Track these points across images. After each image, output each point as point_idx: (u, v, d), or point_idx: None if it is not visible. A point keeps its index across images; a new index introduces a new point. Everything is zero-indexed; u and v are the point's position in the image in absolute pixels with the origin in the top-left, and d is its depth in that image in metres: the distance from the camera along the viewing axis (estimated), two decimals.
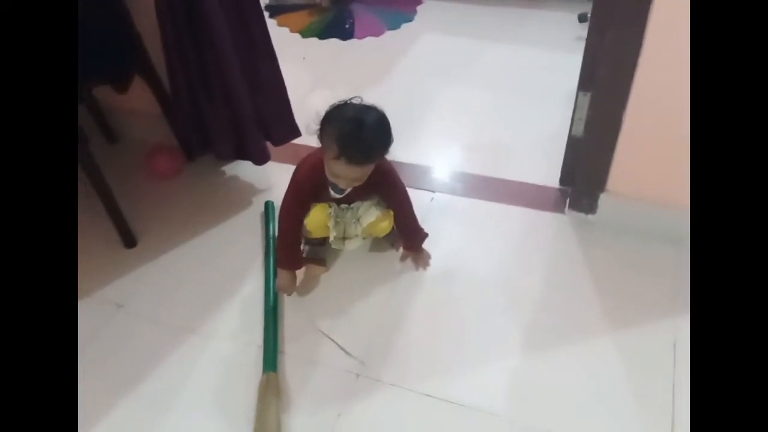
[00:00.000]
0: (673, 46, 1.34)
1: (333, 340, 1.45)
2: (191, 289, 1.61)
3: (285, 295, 1.56)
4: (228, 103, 1.71)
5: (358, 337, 1.47)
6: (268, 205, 1.79)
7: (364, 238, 1.63)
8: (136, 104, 1.97)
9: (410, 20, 2.87)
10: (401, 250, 1.66)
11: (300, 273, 1.59)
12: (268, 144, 1.87)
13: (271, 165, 1.91)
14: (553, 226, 1.76)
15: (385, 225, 1.59)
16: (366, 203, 1.56)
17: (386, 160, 1.48)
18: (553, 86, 2.23)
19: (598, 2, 1.47)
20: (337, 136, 1.33)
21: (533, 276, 1.61)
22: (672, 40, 1.34)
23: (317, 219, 1.55)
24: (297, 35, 2.73)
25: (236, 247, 1.72)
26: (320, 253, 1.66)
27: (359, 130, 1.34)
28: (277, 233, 1.57)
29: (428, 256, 1.64)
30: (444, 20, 2.89)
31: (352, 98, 1.40)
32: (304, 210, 1.53)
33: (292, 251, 1.56)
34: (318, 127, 1.39)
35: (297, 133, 1.83)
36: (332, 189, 1.46)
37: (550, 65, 2.44)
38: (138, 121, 2.06)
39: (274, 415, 1.29)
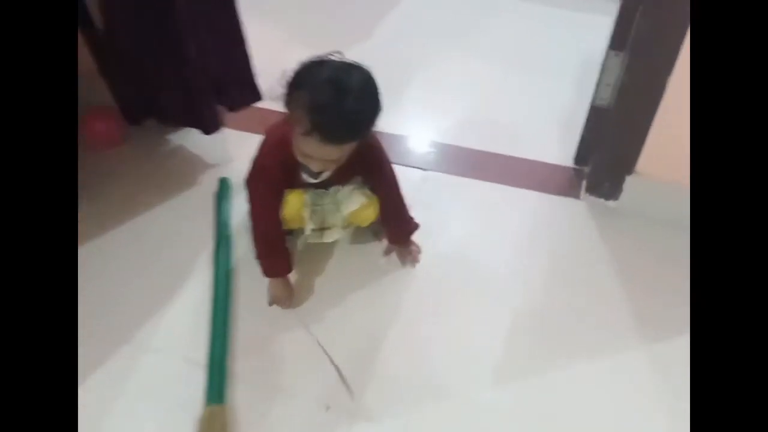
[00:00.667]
0: None
1: (331, 360, 1.16)
2: (123, 289, 1.28)
3: (281, 308, 1.25)
4: (173, 60, 1.35)
5: (334, 351, 1.17)
6: (224, 183, 1.47)
7: (344, 228, 1.31)
8: None
9: None
10: (386, 242, 1.36)
11: (293, 276, 1.28)
12: (225, 110, 1.53)
13: (228, 134, 1.57)
14: (567, 214, 1.49)
15: (370, 212, 1.28)
16: (347, 187, 1.25)
17: (372, 133, 1.16)
18: (570, 50, 1.96)
19: None
20: (309, 105, 1.00)
21: (542, 273, 1.35)
22: None
23: (291, 208, 1.23)
24: None
25: (181, 236, 1.39)
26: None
27: (338, 98, 1.00)
28: (253, 236, 1.22)
29: (417, 251, 1.35)
30: None
31: (330, 54, 1.06)
32: (279, 199, 1.21)
33: (279, 253, 1.23)
34: (285, 91, 1.05)
35: (257, 96, 1.50)
36: (304, 172, 1.15)
37: (566, 27, 2.12)
38: None
39: None
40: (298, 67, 1.05)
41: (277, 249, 1.23)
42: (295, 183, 1.20)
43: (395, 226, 1.32)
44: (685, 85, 1.20)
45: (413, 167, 1.56)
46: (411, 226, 1.32)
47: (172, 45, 1.35)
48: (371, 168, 1.23)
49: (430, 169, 1.57)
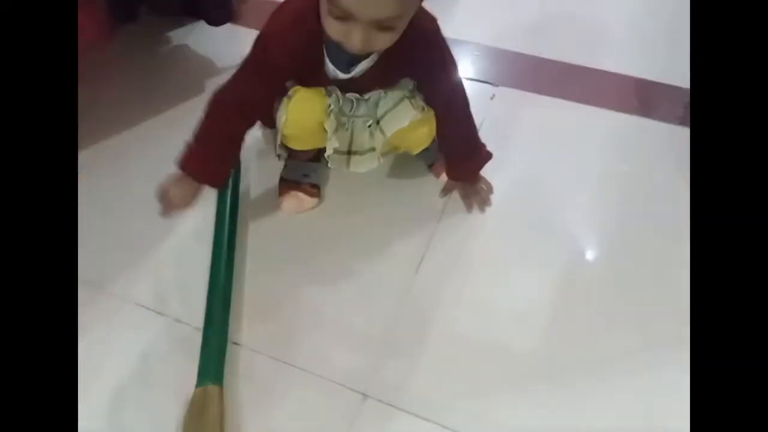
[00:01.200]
0: None
1: None
2: (105, 222, 1.01)
3: (167, 213, 0.90)
4: None
5: (368, 326, 0.89)
6: None
7: (383, 155, 0.99)
8: None
9: None
10: (444, 177, 1.04)
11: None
12: None
13: (241, 32, 1.25)
14: (671, 144, 1.14)
15: (424, 133, 0.97)
16: (392, 93, 0.92)
17: (427, 12, 0.82)
18: None
19: None
20: None
21: (624, 221, 1.03)
22: None
23: (305, 115, 0.90)
24: None
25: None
26: (311, 174, 1.04)
27: None
28: (202, 120, 0.88)
29: (489, 190, 1.03)
30: None
31: None
32: (273, 94, 0.89)
33: (218, 153, 0.90)
34: None
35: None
36: (332, 62, 0.83)
37: None
38: None
39: None
40: None
41: (221, 148, 0.90)
42: (311, 79, 0.88)
43: (459, 155, 1.00)
44: None
45: (478, 81, 1.24)
46: (482, 155, 1.00)
47: None
48: (428, 65, 0.89)
49: (500, 84, 1.25)
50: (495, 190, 1.03)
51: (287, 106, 0.88)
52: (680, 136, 1.15)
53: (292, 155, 1.02)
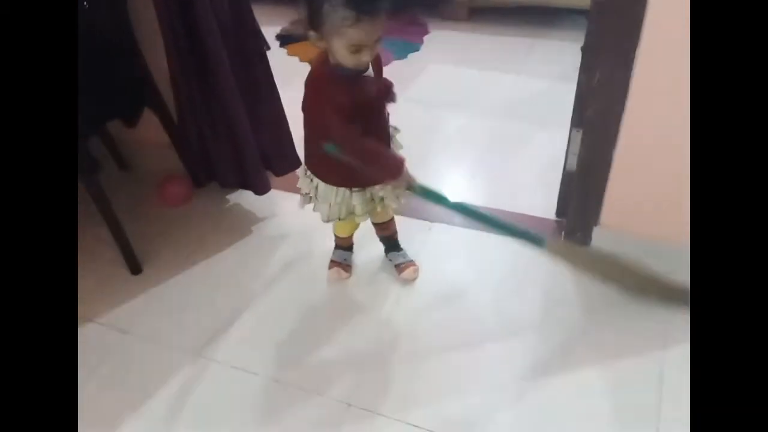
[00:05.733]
0: (661, 87, 1.38)
1: None
2: (194, 314, 1.66)
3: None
4: (231, 139, 1.79)
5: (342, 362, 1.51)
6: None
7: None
8: (147, 136, 2.05)
9: (417, 50, 2.94)
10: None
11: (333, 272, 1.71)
12: (270, 173, 1.94)
13: (272, 194, 1.97)
14: (550, 258, 1.79)
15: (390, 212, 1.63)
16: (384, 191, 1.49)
17: None
18: (555, 117, 2.24)
19: (587, 44, 1.51)
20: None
21: (529, 307, 1.64)
22: (660, 81, 1.38)
23: (347, 228, 1.63)
24: (306, 65, 2.80)
25: (245, 270, 1.78)
26: (348, 258, 1.74)
27: None
28: (364, 153, 1.34)
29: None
30: (451, 50, 2.96)
31: None
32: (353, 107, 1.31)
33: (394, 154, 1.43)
34: (310, 24, 1.22)
35: (298, 163, 1.88)
36: (351, 80, 1.30)
37: (553, 96, 2.48)
38: (148, 151, 2.14)
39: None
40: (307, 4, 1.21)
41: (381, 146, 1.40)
42: (349, 97, 1.29)
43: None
44: (629, 156, 1.53)
45: (421, 219, 1.90)
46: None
47: (229, 124, 1.77)
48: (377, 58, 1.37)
49: (436, 221, 1.90)
50: (430, 287, 1.69)
51: (337, 224, 1.59)
52: None
53: (337, 244, 1.72)
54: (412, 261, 1.73)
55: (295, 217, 1.84)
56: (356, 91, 1.31)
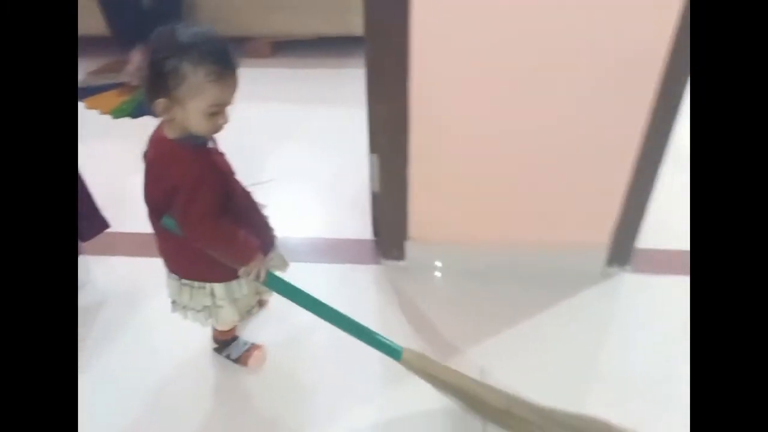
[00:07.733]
0: (436, 112, 1.53)
1: None
2: None
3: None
4: None
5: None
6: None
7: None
8: None
9: None
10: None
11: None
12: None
13: (82, 259, 1.86)
14: (372, 277, 1.89)
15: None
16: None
17: None
18: (363, 142, 2.39)
19: (367, 83, 1.62)
20: (198, 54, 1.05)
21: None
22: (433, 107, 1.53)
23: (233, 319, 1.44)
24: (107, 117, 2.68)
25: None
26: (247, 342, 1.59)
27: (204, 32, 1.09)
28: (226, 245, 1.24)
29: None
30: (266, 88, 2.96)
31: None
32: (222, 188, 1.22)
33: (248, 238, 1.27)
34: (159, 90, 1.08)
35: (106, 225, 1.81)
36: (204, 152, 1.20)
37: (359, 122, 2.59)
38: None
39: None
40: (148, 53, 1.09)
41: (244, 236, 1.25)
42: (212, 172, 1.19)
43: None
44: (422, 174, 1.67)
45: None
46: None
47: None
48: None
49: None
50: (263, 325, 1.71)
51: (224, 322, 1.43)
52: (376, 271, 1.91)
53: (224, 340, 1.56)
54: (254, 344, 1.59)
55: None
56: (214, 164, 1.20)
